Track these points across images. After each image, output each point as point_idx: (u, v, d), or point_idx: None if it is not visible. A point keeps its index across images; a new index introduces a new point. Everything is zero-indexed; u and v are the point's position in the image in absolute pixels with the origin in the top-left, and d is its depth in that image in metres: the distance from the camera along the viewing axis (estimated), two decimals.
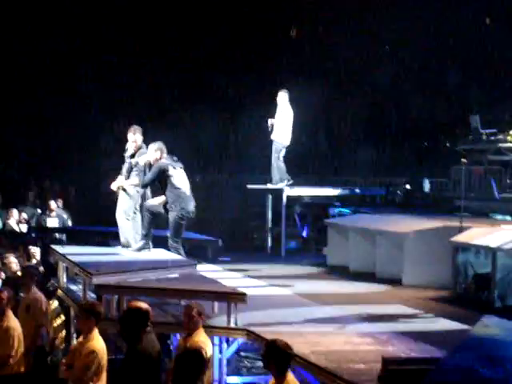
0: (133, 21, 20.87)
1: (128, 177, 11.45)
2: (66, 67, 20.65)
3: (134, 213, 11.50)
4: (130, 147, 11.49)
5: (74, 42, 20.38)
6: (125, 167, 11.54)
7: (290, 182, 15.22)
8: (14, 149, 20.97)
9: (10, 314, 8.96)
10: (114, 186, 11.55)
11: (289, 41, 20.98)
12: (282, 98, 15.17)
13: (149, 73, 21.41)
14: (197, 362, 6.16)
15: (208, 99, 20.81)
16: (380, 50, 19.19)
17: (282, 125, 15.09)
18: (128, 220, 11.53)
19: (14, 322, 8.91)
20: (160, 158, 10.98)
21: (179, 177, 11.02)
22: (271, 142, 15.19)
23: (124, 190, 11.49)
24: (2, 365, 8.65)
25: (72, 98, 20.72)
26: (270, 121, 15.02)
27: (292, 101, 15.16)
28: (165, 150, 11.05)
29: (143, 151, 11.34)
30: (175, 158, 11.09)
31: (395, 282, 11.82)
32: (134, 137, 11.44)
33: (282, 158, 15.20)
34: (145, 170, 11.07)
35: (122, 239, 11.57)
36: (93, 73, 21.01)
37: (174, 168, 10.96)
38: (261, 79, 19.85)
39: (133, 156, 11.47)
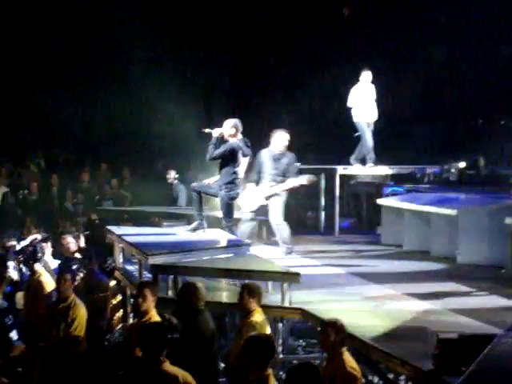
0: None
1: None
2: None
3: None
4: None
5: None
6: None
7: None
8: (70, 130, 21.20)
9: (73, 295, 9.13)
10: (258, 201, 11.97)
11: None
12: (369, 76, 15.07)
13: None
14: (264, 349, 6.19)
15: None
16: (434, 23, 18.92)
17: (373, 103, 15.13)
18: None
19: (78, 303, 9.07)
20: (234, 136, 10.98)
21: (242, 164, 11.07)
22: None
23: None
24: (66, 345, 8.81)
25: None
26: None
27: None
28: (240, 128, 11.03)
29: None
30: (249, 144, 11.06)
31: (450, 260, 11.77)
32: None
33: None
34: (216, 143, 10.90)
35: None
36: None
37: (243, 155, 10.97)
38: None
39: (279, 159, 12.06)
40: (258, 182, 12.14)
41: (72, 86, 20.76)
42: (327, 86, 15.84)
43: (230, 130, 10.93)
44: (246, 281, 8.59)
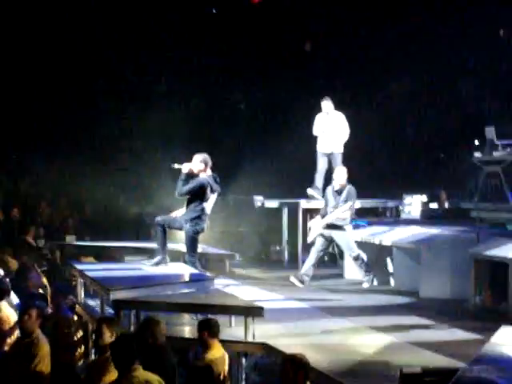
0: None
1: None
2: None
3: None
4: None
5: None
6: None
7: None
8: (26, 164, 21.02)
9: (38, 331, 8.99)
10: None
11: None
12: (330, 105, 14.96)
13: None
14: (207, 379, 6.17)
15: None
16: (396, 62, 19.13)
17: (341, 134, 15.04)
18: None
19: (42, 339, 8.93)
20: (203, 171, 10.97)
21: (210, 200, 11.06)
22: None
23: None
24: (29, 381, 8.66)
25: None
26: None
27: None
28: (210, 164, 11.04)
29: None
30: (218, 179, 11.07)
31: (412, 294, 11.80)
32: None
33: None
34: (185, 178, 10.94)
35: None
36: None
37: (212, 191, 10.98)
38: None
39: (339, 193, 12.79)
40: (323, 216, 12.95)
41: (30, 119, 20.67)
42: (291, 125, 15.89)
43: (199, 165, 10.94)
44: (203, 316, 8.57)
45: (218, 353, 7.87)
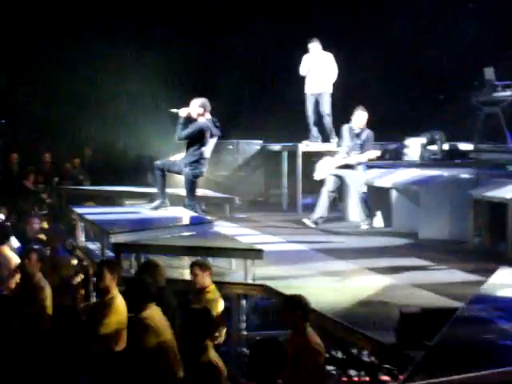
0: None
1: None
2: None
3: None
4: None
5: None
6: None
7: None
8: (26, 111, 20.93)
9: (39, 274, 9.07)
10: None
11: None
12: (318, 46, 14.91)
13: None
14: (202, 321, 6.22)
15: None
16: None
17: (332, 73, 14.95)
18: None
19: (44, 283, 9.01)
20: (202, 115, 10.92)
21: (210, 144, 11.02)
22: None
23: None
24: (31, 324, 8.75)
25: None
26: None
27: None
28: (209, 108, 10.98)
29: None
30: (217, 124, 11.02)
31: (412, 236, 11.85)
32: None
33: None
34: (184, 122, 10.90)
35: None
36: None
37: (212, 135, 10.94)
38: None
39: (358, 136, 12.86)
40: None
41: (30, 66, 20.49)
42: (291, 67, 15.71)
43: (197, 109, 10.89)
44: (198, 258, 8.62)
45: (213, 295, 7.96)
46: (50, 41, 20.07)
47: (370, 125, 13.01)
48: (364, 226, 12.63)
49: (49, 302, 8.92)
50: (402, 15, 18.59)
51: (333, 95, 15.03)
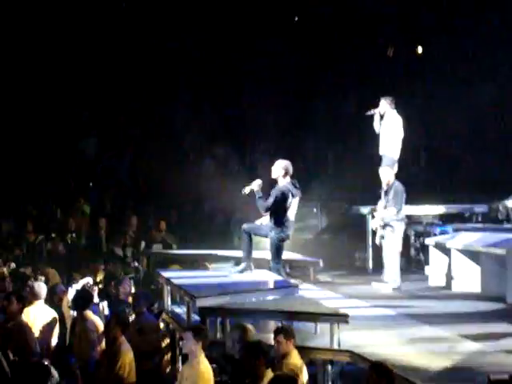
0: None
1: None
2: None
3: None
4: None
5: None
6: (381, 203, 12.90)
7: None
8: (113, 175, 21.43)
9: (122, 338, 9.15)
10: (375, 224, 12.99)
11: None
12: (385, 105, 14.68)
13: None
14: None
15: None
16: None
17: (391, 136, 14.64)
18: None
19: (125, 347, 9.09)
20: (283, 177, 11.07)
21: (293, 205, 11.14)
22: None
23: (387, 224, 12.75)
24: None
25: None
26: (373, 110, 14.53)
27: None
28: (290, 171, 11.14)
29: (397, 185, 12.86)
30: (297, 185, 11.16)
31: (501, 300, 11.61)
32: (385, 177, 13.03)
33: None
34: (262, 195, 11.03)
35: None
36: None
37: (293, 196, 11.07)
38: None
39: (386, 193, 12.91)
40: None
41: (118, 132, 21.04)
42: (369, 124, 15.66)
43: (279, 170, 11.06)
44: (280, 324, 8.60)
45: (297, 360, 7.93)
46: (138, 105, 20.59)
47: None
48: (386, 288, 12.63)
49: (129, 367, 8.97)
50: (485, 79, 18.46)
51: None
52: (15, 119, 20.80)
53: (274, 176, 11.11)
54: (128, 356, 8.99)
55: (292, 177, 11.17)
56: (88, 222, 19.35)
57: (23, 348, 9.47)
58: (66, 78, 20.94)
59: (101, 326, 10.22)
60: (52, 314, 10.81)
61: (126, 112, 21.42)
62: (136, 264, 16.29)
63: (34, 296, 10.71)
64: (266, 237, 11.23)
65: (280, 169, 11.08)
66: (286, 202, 10.97)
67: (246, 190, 11.12)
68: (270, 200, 10.95)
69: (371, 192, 15.87)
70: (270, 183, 11.33)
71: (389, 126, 14.30)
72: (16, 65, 20.68)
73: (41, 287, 10.85)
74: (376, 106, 14.14)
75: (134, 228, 18.91)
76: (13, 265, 15.04)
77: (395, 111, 14.36)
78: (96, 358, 9.76)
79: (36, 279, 12.41)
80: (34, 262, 15.88)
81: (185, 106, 21.25)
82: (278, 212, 10.98)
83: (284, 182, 11.05)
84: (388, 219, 12.78)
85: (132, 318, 11.15)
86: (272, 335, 8.75)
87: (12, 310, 9.66)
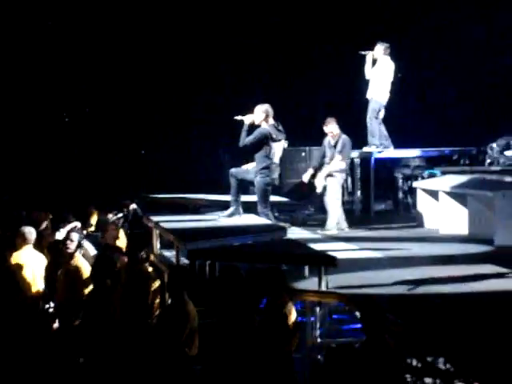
0: None
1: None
2: None
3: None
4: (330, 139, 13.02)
5: None
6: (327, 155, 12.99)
7: (385, 149, 15.04)
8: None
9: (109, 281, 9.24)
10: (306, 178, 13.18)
11: None
12: (380, 51, 14.75)
13: None
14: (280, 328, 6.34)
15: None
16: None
17: (381, 81, 14.70)
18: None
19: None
20: (265, 121, 11.09)
21: (276, 148, 11.16)
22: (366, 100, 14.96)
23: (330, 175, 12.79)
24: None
25: None
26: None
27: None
28: (271, 114, 11.17)
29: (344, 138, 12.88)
30: (280, 128, 11.18)
31: (487, 242, 11.69)
32: (328, 128, 12.96)
33: (380, 120, 14.96)
34: (248, 129, 11.15)
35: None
36: None
37: (275, 139, 11.08)
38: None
39: (335, 146, 12.92)
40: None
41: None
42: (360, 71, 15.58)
43: (260, 115, 11.07)
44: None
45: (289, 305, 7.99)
46: None
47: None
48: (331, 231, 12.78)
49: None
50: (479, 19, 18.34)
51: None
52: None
53: (257, 122, 11.15)
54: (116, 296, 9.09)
55: (275, 119, 11.21)
56: None
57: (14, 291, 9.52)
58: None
59: (88, 269, 10.24)
60: (41, 258, 10.82)
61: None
62: (125, 209, 16.29)
63: (24, 241, 10.73)
64: (253, 182, 11.26)
65: (261, 113, 11.17)
66: (266, 144, 11.01)
67: (238, 117, 11.18)
68: (249, 138, 11.05)
69: (359, 136, 15.93)
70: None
71: (379, 71, 14.45)
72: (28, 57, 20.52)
73: (30, 232, 10.85)
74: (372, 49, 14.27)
75: None
76: None
77: (389, 58, 14.45)
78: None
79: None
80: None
81: None
82: (260, 153, 11.02)
83: (266, 126, 11.06)
84: (333, 169, 12.95)
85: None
86: None
87: None
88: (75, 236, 10.61)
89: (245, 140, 11.04)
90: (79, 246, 10.70)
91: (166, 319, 8.08)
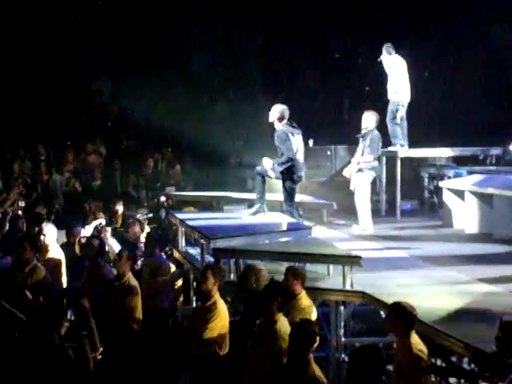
0: None
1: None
2: None
3: None
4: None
5: None
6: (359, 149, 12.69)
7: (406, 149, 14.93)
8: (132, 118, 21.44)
9: (129, 274, 9.25)
10: (347, 173, 12.70)
11: None
12: (384, 53, 14.52)
13: None
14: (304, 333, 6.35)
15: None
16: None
17: (393, 81, 14.61)
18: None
19: (133, 284, 9.19)
20: (279, 121, 11.12)
21: (296, 144, 11.15)
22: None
23: (360, 170, 12.55)
24: (120, 324, 8.91)
25: None
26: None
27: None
28: (286, 116, 11.19)
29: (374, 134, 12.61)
30: (294, 124, 11.21)
31: None
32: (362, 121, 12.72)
33: (399, 120, 14.81)
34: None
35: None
36: None
37: (293, 135, 11.10)
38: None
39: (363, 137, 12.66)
40: None
41: (134, 73, 20.97)
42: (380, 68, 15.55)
43: (275, 114, 11.22)
44: (291, 265, 8.64)
45: (307, 301, 7.98)
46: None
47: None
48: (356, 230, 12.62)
49: (135, 303, 9.08)
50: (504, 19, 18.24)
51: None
52: (29, 61, 20.73)
53: (270, 120, 11.23)
54: (135, 292, 9.10)
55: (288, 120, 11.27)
56: (103, 162, 19.35)
57: (41, 286, 9.53)
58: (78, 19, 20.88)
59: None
60: (60, 255, 10.74)
61: (140, 54, 21.32)
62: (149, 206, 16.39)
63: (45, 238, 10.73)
64: (279, 179, 11.27)
65: (276, 112, 11.23)
66: (289, 141, 11.00)
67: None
68: (282, 147, 11.06)
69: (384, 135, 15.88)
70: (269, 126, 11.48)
71: (390, 72, 14.46)
72: (29, 10, 20.61)
73: (51, 230, 10.86)
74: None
75: (149, 170, 18.97)
76: (22, 203, 15.20)
77: (395, 56, 14.43)
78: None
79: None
80: (48, 202, 15.94)
81: (200, 49, 21.13)
82: (283, 152, 11.03)
83: (280, 126, 11.11)
84: (363, 165, 12.68)
85: (142, 259, 11.19)
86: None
87: (26, 256, 9.67)
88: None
89: (281, 159, 11.12)
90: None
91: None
